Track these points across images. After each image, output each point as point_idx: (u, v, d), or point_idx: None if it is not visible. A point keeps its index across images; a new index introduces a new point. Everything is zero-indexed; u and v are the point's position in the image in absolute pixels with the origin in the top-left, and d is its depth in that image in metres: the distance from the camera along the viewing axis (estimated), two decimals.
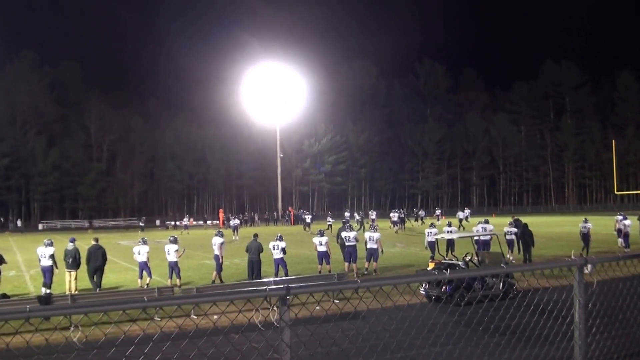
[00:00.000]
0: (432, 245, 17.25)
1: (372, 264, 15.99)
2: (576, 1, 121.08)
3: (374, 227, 17.16)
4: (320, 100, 78.81)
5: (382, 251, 16.35)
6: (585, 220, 19.51)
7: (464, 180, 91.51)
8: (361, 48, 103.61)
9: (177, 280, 14.29)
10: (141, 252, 14.15)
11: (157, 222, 62.91)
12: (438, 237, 16.21)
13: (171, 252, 14.29)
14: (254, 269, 14.64)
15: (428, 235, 17.93)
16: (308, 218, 44.01)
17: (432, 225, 19.36)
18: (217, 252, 15.15)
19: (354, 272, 15.76)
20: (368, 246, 16.00)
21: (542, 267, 3.53)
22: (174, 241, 14.54)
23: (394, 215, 39.14)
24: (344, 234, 16.36)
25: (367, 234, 16.58)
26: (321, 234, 16.03)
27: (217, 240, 15.38)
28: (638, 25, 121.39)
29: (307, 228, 41.08)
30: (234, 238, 32.32)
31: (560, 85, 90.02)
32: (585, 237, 19.07)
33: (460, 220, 38.49)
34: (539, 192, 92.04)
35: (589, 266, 3.34)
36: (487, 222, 18.76)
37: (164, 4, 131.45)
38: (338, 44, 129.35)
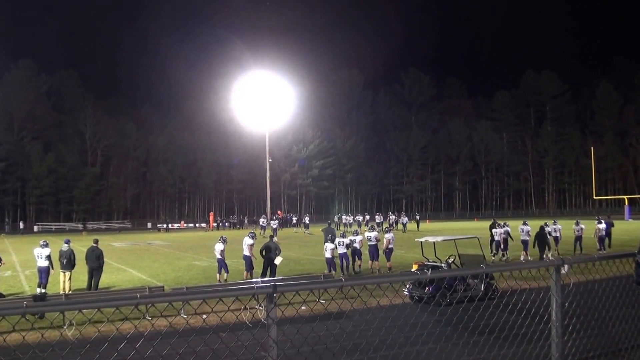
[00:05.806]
0: (498, 245, 19.03)
1: (387, 263, 16.99)
2: (557, 13, 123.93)
3: (388, 230, 18.56)
4: (309, 108, 79.52)
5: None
6: (577, 223, 20.68)
7: (447, 185, 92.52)
8: (349, 57, 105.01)
9: (225, 275, 15.19)
10: (217, 249, 15.26)
11: (149, 225, 63.16)
12: (422, 240, 16.24)
13: (217, 250, 15.25)
14: (271, 267, 14.89)
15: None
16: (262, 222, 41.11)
17: (496, 225, 20.41)
18: (246, 252, 15.49)
19: (375, 270, 16.74)
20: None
21: (520, 267, 3.67)
22: (224, 241, 15.44)
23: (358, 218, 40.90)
24: (366, 234, 17.65)
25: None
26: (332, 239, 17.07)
27: (247, 241, 15.71)
28: (617, 35, 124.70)
29: (262, 232, 38.22)
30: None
31: (541, 94, 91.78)
32: (578, 238, 20.28)
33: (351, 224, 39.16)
34: (520, 197, 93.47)
35: (566, 267, 3.45)
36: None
37: (157, 15, 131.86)
38: (326, 54, 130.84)
